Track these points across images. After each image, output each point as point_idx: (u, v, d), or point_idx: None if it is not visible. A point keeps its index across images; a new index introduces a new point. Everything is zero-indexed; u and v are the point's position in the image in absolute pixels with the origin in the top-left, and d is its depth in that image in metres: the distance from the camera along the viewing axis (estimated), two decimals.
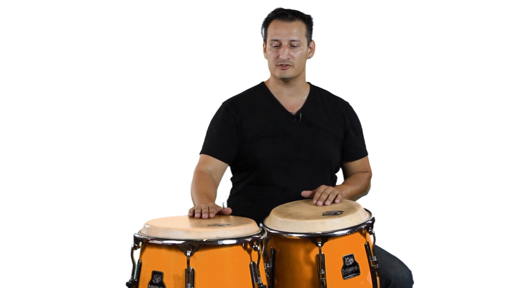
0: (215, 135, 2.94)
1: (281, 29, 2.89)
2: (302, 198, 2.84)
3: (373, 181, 3.09)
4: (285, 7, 2.94)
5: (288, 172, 2.90)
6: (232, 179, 3.05)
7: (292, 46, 2.88)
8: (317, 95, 3.03)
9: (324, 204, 2.72)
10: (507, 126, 4.63)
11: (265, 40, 2.95)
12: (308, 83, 3.04)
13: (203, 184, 2.83)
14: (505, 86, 4.65)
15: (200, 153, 2.96)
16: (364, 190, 3.03)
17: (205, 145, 2.96)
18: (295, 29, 2.89)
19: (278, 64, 2.89)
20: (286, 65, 2.88)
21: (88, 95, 4.66)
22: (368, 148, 3.11)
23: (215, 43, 4.63)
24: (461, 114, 4.66)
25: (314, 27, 2.98)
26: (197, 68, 4.63)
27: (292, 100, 2.98)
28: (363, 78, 4.60)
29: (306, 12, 2.96)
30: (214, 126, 2.97)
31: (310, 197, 2.83)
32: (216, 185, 2.90)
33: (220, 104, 3.01)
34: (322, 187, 2.79)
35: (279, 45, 2.88)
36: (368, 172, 3.07)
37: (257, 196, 2.93)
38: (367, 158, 3.10)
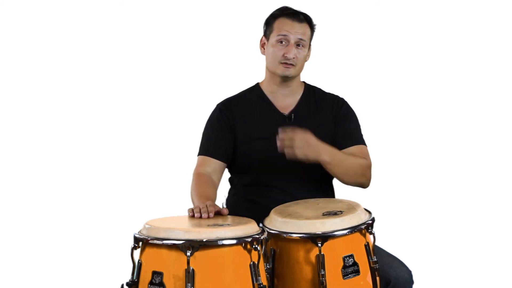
0: (211, 136, 2.93)
1: (291, 27, 2.88)
2: (300, 198, 2.84)
3: (373, 181, 3.07)
4: (288, 7, 2.94)
5: (282, 173, 2.89)
6: (230, 179, 3.05)
7: (297, 46, 2.87)
8: (311, 94, 3.02)
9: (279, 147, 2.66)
10: (506, 124, 4.63)
11: (265, 35, 2.94)
12: (303, 82, 3.04)
13: (203, 186, 2.82)
14: (504, 85, 4.65)
15: (198, 155, 2.95)
16: (358, 167, 2.86)
17: (202, 147, 2.96)
18: (303, 30, 2.90)
19: (282, 62, 2.88)
20: (290, 64, 2.88)
21: (88, 95, 4.66)
22: (367, 148, 3.10)
23: (214, 44, 4.64)
24: (460, 113, 4.66)
25: (314, 33, 2.98)
26: (196, 68, 4.64)
27: (286, 101, 2.98)
28: (362, 78, 4.60)
29: (307, 13, 2.96)
30: (209, 127, 2.97)
31: (310, 196, 2.83)
32: (215, 186, 2.89)
33: (215, 105, 3.01)
34: (297, 133, 2.70)
35: (286, 43, 2.87)
36: (366, 159, 2.93)
37: (255, 196, 2.93)
38: (366, 148, 2.98)
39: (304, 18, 2.91)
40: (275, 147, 2.83)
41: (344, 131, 2.97)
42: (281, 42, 2.88)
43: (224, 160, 2.93)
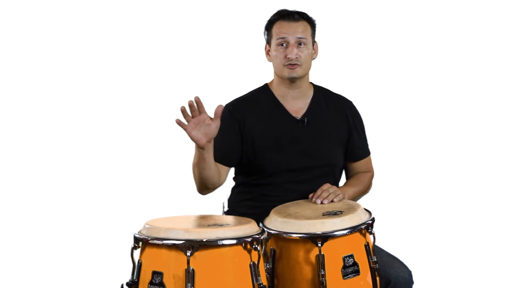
0: (219, 140, 2.82)
1: (287, 28, 2.88)
2: (305, 198, 2.84)
3: (373, 180, 3.09)
4: (288, 8, 2.94)
5: (294, 177, 2.89)
6: (234, 179, 3.03)
7: (299, 45, 2.87)
8: (321, 96, 3.01)
9: (321, 203, 2.73)
10: (507, 126, 4.63)
11: (268, 42, 2.94)
12: (311, 83, 3.04)
13: None
14: (505, 85, 4.65)
15: None
16: (366, 191, 3.04)
17: None
18: (301, 28, 2.89)
19: (286, 64, 2.87)
20: (295, 64, 2.87)
21: (89, 95, 4.66)
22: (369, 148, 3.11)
23: (215, 44, 4.63)
24: (461, 114, 4.66)
25: (316, 27, 2.98)
26: (199, 69, 4.63)
27: (297, 104, 2.96)
28: (363, 78, 4.60)
29: (308, 14, 2.96)
30: (218, 130, 2.93)
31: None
32: (220, 175, 2.84)
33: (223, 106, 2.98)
34: (326, 185, 2.81)
35: (286, 45, 2.87)
36: (370, 172, 3.08)
37: (260, 196, 2.92)
38: (370, 157, 3.10)
39: (300, 17, 2.90)
40: (288, 152, 2.88)
41: (354, 145, 3.03)
42: (282, 45, 2.88)
43: (231, 165, 2.91)
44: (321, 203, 2.74)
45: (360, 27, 4.63)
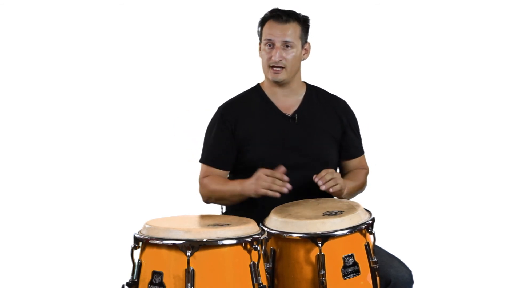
0: (214, 144, 2.89)
1: (274, 30, 2.88)
2: (301, 198, 2.84)
3: (373, 181, 3.10)
4: (284, 7, 2.93)
5: (287, 174, 2.88)
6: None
7: (285, 47, 2.87)
8: (313, 94, 3.02)
9: (322, 185, 2.73)
10: (506, 125, 4.63)
11: (260, 40, 2.95)
12: (304, 82, 3.03)
13: (220, 179, 2.87)
14: (504, 85, 4.65)
15: (200, 161, 2.94)
16: (362, 188, 3.04)
17: (205, 155, 2.93)
18: (289, 31, 2.88)
19: (271, 66, 2.87)
20: (279, 67, 2.87)
21: (88, 95, 4.66)
22: (367, 148, 3.12)
23: (215, 44, 4.63)
24: (460, 113, 4.66)
25: (313, 27, 2.97)
26: (196, 69, 4.63)
27: (288, 101, 2.97)
28: (363, 78, 4.60)
29: (305, 13, 2.95)
30: (211, 134, 2.94)
31: (311, 195, 2.83)
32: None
33: (216, 107, 2.99)
34: (331, 170, 2.80)
35: (272, 46, 2.87)
36: (365, 169, 3.08)
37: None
38: (364, 156, 3.10)
39: (289, 18, 2.88)
40: (279, 149, 2.88)
41: (348, 143, 3.03)
42: (269, 45, 2.88)
43: (228, 168, 2.92)
44: (322, 185, 2.73)
45: (359, 27, 4.63)
